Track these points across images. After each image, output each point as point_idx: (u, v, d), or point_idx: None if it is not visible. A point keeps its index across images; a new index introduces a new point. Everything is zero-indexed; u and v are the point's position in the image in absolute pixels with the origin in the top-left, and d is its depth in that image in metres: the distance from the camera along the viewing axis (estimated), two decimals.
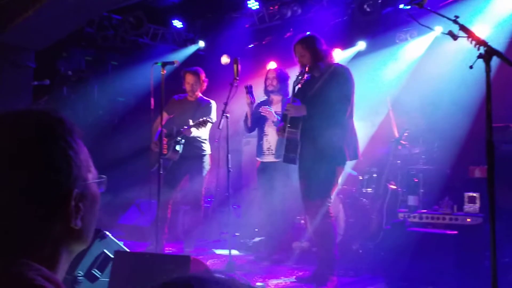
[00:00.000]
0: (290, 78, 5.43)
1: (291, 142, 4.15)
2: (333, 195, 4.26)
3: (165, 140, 5.24)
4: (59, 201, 0.90)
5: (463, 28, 2.42)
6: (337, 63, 4.36)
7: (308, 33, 4.52)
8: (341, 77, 4.10)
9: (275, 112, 5.19)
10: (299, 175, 4.30)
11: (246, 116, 5.30)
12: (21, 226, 0.87)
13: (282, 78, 5.35)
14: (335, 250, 4.11)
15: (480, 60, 2.31)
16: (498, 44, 5.70)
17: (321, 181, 4.05)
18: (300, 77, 4.15)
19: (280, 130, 4.29)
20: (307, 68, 4.12)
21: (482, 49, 2.28)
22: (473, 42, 2.34)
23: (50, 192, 0.88)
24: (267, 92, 5.40)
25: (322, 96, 4.07)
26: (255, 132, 5.59)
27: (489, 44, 2.30)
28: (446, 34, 2.49)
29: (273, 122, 5.19)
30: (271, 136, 5.30)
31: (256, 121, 5.34)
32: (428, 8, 2.60)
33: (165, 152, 5.21)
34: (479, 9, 5.82)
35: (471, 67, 2.31)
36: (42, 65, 6.54)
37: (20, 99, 6.02)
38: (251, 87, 5.15)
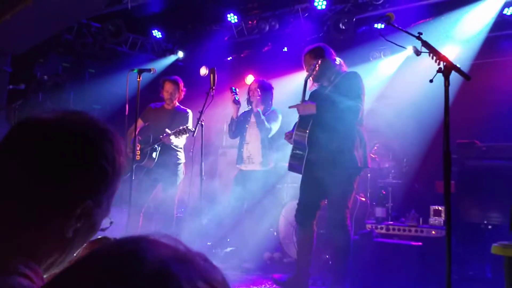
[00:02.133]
0: (273, 88, 5.54)
1: (298, 146, 4.01)
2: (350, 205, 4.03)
3: (138, 146, 5.25)
4: (73, 200, 0.96)
5: (425, 44, 2.55)
6: (348, 70, 4.27)
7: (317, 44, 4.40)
8: (351, 82, 4.02)
9: (258, 112, 5.26)
10: (304, 182, 4.14)
11: (232, 120, 5.37)
12: (33, 207, 0.94)
13: (264, 88, 5.43)
14: (349, 265, 3.95)
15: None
16: (464, 65, 5.95)
17: (337, 193, 3.89)
18: (311, 71, 3.96)
19: (288, 135, 4.19)
20: (317, 66, 3.93)
21: (442, 64, 2.40)
22: (434, 58, 2.46)
23: (72, 187, 0.96)
24: (249, 102, 5.48)
25: (332, 101, 3.94)
26: (231, 143, 5.66)
27: (448, 59, 2.43)
28: (412, 50, 2.62)
29: (254, 114, 5.24)
30: (251, 145, 5.37)
31: (238, 129, 5.43)
32: (395, 25, 2.72)
33: (138, 159, 5.22)
34: (448, 30, 6.05)
35: (431, 81, 2.44)
36: (19, 70, 6.51)
37: None
38: (235, 88, 5.27)
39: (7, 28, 5.46)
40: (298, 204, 4.18)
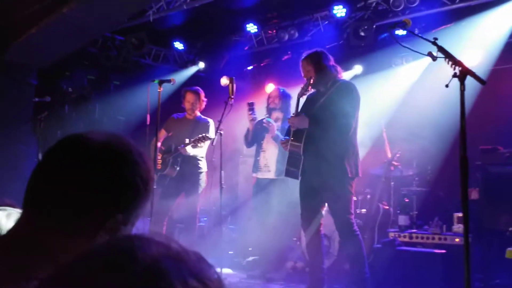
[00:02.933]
0: (292, 98, 5.53)
1: (293, 156, 4.13)
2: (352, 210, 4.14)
3: (159, 156, 5.33)
4: (107, 213, 1.04)
5: (440, 49, 2.53)
6: (343, 79, 4.36)
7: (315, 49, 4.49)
8: (346, 93, 4.08)
9: (276, 135, 5.24)
10: (301, 190, 4.25)
11: (248, 131, 5.39)
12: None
13: (284, 96, 5.44)
14: (366, 267, 4.01)
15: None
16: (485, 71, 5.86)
17: (338, 202, 3.99)
18: (304, 88, 4.12)
19: (285, 143, 4.28)
20: (311, 80, 4.07)
21: (457, 69, 2.38)
22: (450, 63, 2.44)
23: (107, 202, 1.04)
24: (269, 109, 5.49)
25: (327, 111, 4.05)
26: (251, 151, 5.67)
27: (463, 64, 2.41)
28: (426, 55, 2.60)
29: (272, 137, 5.26)
30: (268, 153, 5.36)
31: (255, 137, 5.43)
32: (411, 31, 2.71)
33: (159, 168, 5.29)
34: (469, 36, 5.97)
35: (446, 85, 2.41)
36: (44, 82, 6.68)
37: (21, 114, 6.15)
38: (253, 104, 5.26)
39: (33, 42, 5.63)
40: (301, 213, 4.26)
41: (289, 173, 4.20)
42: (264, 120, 5.27)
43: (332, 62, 4.23)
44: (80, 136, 1.08)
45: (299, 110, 4.16)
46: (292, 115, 4.21)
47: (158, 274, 0.59)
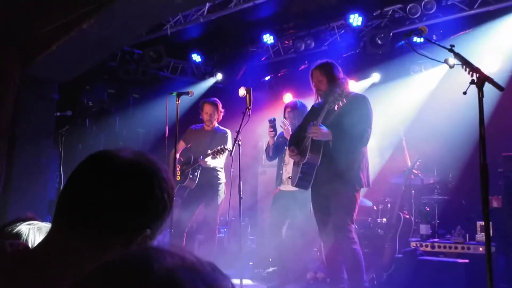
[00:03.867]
0: (307, 107, 5.49)
1: (309, 167, 4.13)
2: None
3: (178, 167, 5.36)
4: (137, 228, 1.09)
5: (457, 56, 2.51)
6: (355, 92, 4.38)
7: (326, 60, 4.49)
8: (360, 105, 4.10)
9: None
10: (314, 201, 4.29)
11: (268, 145, 5.40)
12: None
13: (298, 108, 5.42)
14: (363, 275, 4.02)
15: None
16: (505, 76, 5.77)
17: (343, 210, 4.02)
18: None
19: (293, 152, 4.28)
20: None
21: (475, 76, 2.35)
22: (467, 69, 2.42)
23: (138, 218, 1.09)
24: (282, 120, 5.47)
25: (342, 124, 4.04)
26: (270, 162, 5.66)
27: (481, 70, 2.38)
28: (443, 62, 2.58)
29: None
30: (290, 166, 5.34)
31: (277, 151, 5.43)
32: (427, 38, 2.69)
33: (178, 179, 5.32)
34: (487, 41, 5.90)
35: (464, 93, 2.39)
36: (65, 97, 6.82)
37: (44, 128, 6.27)
38: (274, 120, 5.25)
39: (54, 58, 5.75)
40: (316, 223, 4.27)
41: (299, 184, 4.22)
42: (282, 120, 5.28)
43: (342, 74, 4.26)
44: (109, 153, 1.12)
45: (320, 119, 4.10)
46: (314, 125, 4.10)
47: (173, 285, 0.60)
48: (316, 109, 4.32)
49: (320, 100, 4.30)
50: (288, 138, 5.16)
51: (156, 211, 1.10)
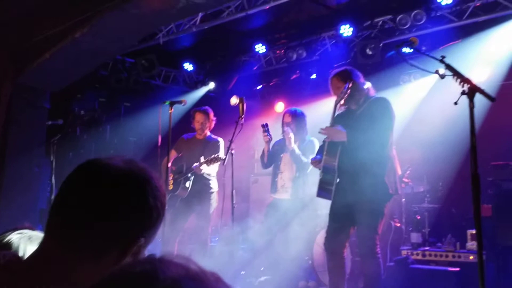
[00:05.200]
0: (306, 116, 5.47)
1: (327, 172, 3.91)
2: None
3: (171, 176, 5.36)
4: (133, 237, 1.08)
5: (448, 67, 2.55)
6: (376, 95, 4.15)
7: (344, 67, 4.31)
8: (382, 107, 3.93)
9: (293, 149, 5.15)
10: (333, 210, 4.04)
11: (263, 153, 5.37)
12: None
13: (297, 116, 5.36)
14: None
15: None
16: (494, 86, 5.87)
17: (368, 221, 3.79)
18: (341, 96, 3.88)
19: (315, 162, 4.09)
20: (350, 84, 3.85)
21: (465, 86, 2.40)
22: (458, 80, 2.46)
23: (132, 227, 1.08)
24: (284, 128, 5.41)
25: (362, 126, 3.86)
26: (263, 170, 5.66)
27: (471, 81, 2.43)
28: (434, 73, 2.63)
29: (288, 152, 5.20)
30: (285, 174, 5.34)
31: (272, 158, 5.41)
32: (417, 49, 2.74)
33: (170, 188, 5.32)
34: (477, 51, 6.00)
35: (455, 103, 2.43)
36: (57, 106, 6.79)
37: (35, 137, 6.24)
38: (267, 125, 5.23)
39: (46, 66, 5.74)
40: (327, 231, 4.08)
41: (321, 194, 3.97)
42: (284, 129, 5.21)
43: (362, 79, 4.09)
44: (100, 162, 1.11)
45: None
46: (327, 126, 3.96)
47: None
48: (340, 117, 4.10)
49: (343, 108, 4.11)
50: (290, 147, 5.11)
51: (150, 219, 1.09)
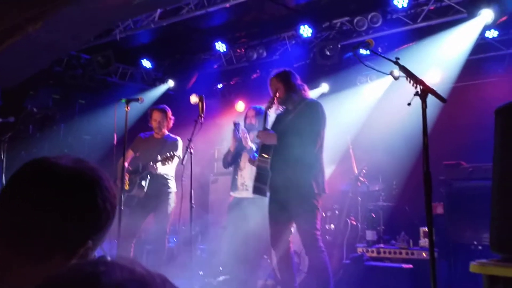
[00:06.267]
0: (269, 115, 5.52)
1: (261, 172, 4.16)
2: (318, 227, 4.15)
3: (127, 176, 5.25)
4: (79, 240, 1.04)
5: (402, 68, 2.62)
6: (311, 98, 4.43)
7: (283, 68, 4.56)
8: (312, 111, 4.15)
9: (250, 148, 5.21)
10: (270, 208, 4.26)
11: (229, 151, 5.35)
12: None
13: (260, 114, 5.39)
14: (331, 284, 4.01)
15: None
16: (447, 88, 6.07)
17: (304, 219, 4.01)
18: (271, 102, 4.19)
19: (252, 161, 4.34)
20: (277, 94, 4.15)
21: (418, 88, 2.47)
22: (411, 81, 2.53)
23: (79, 229, 1.04)
24: (246, 129, 5.44)
25: (293, 129, 4.11)
26: (222, 170, 5.62)
27: (424, 82, 2.50)
28: (388, 74, 2.68)
29: (247, 151, 5.22)
30: (245, 172, 5.32)
31: (235, 158, 5.40)
32: (373, 51, 2.79)
33: (126, 188, 5.21)
34: (430, 54, 6.19)
35: (409, 104, 2.50)
36: (9, 102, 6.54)
37: None
38: (239, 124, 5.23)
39: None
40: (270, 230, 4.25)
41: (257, 190, 4.22)
42: (242, 129, 5.24)
43: (299, 81, 4.32)
44: (47, 161, 1.06)
45: (268, 127, 4.23)
46: (259, 130, 4.27)
47: None
48: (279, 118, 4.37)
49: (281, 108, 4.35)
50: (248, 146, 5.17)
51: (99, 222, 1.06)
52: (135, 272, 0.64)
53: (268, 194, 4.22)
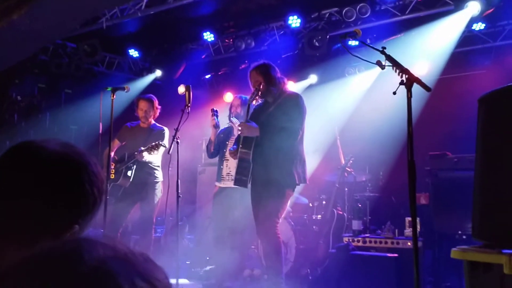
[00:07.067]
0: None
1: (243, 163, 4.22)
2: (281, 218, 4.32)
3: (112, 165, 5.22)
4: (65, 224, 1.03)
5: (388, 58, 2.62)
6: (291, 91, 4.49)
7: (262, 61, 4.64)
8: (292, 104, 4.21)
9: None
10: (252, 199, 4.35)
11: (210, 141, 5.34)
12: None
13: (246, 104, 5.40)
14: (282, 269, 4.14)
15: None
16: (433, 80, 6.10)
17: (271, 204, 4.11)
18: (254, 95, 4.24)
19: (233, 152, 4.36)
20: (261, 87, 4.20)
21: (404, 77, 2.47)
22: (397, 71, 2.53)
23: (66, 213, 1.03)
24: (231, 118, 5.45)
25: (274, 121, 4.17)
26: (209, 160, 5.60)
27: (410, 72, 2.50)
28: (375, 64, 2.69)
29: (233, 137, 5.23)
30: (231, 162, 5.31)
31: (218, 147, 5.39)
32: (361, 40, 2.79)
33: (112, 177, 5.18)
34: (418, 46, 6.21)
35: (394, 93, 2.50)
36: None
37: None
38: (217, 111, 5.22)
39: None
40: (254, 219, 4.33)
41: (238, 182, 4.27)
42: (230, 119, 5.27)
43: (279, 74, 4.38)
44: (34, 144, 1.05)
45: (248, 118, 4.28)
46: (241, 122, 4.32)
47: (105, 275, 0.59)
48: (258, 110, 4.42)
49: (260, 101, 4.38)
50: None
51: (86, 206, 1.05)
52: (117, 250, 0.64)
53: (249, 185, 4.28)
